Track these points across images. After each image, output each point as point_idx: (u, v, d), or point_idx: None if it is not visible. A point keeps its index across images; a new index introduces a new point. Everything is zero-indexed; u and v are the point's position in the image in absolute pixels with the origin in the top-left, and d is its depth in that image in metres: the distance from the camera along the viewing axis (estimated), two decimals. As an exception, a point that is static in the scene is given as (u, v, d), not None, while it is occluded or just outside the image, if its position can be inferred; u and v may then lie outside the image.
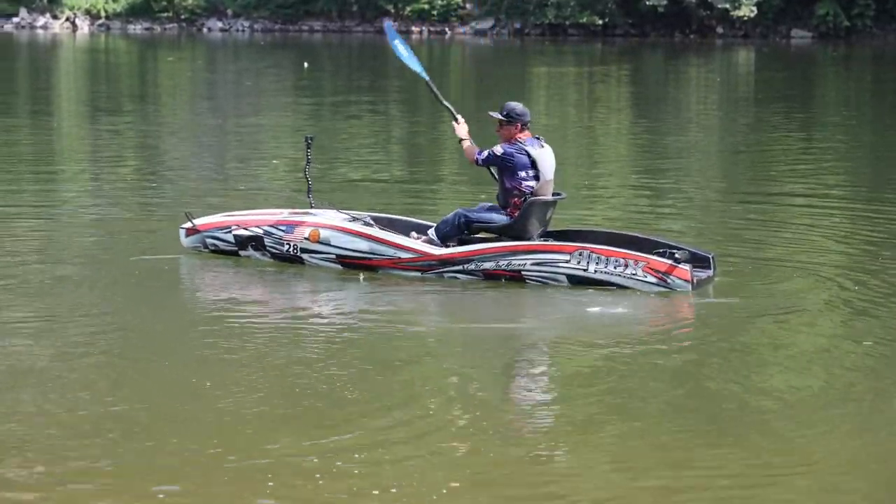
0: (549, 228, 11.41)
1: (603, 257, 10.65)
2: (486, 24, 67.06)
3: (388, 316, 10.24)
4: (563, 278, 10.77)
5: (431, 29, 67.38)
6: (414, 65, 11.95)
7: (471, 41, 63.26)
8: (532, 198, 11.00)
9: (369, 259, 11.23)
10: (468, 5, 67.90)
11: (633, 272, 10.62)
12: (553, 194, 11.20)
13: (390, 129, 25.03)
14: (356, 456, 7.00)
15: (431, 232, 11.36)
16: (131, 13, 69.35)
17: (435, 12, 67.37)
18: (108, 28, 68.41)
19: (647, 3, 61.65)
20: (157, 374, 8.42)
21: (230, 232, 11.61)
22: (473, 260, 10.95)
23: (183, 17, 68.74)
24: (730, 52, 54.48)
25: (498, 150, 11.04)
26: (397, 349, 9.27)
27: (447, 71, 45.41)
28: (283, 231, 11.45)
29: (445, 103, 11.66)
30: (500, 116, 11.11)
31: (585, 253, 10.69)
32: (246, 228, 11.57)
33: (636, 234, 11.37)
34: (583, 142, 23.11)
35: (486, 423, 7.59)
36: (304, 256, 11.41)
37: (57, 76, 39.99)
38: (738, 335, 9.63)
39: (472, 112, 28.92)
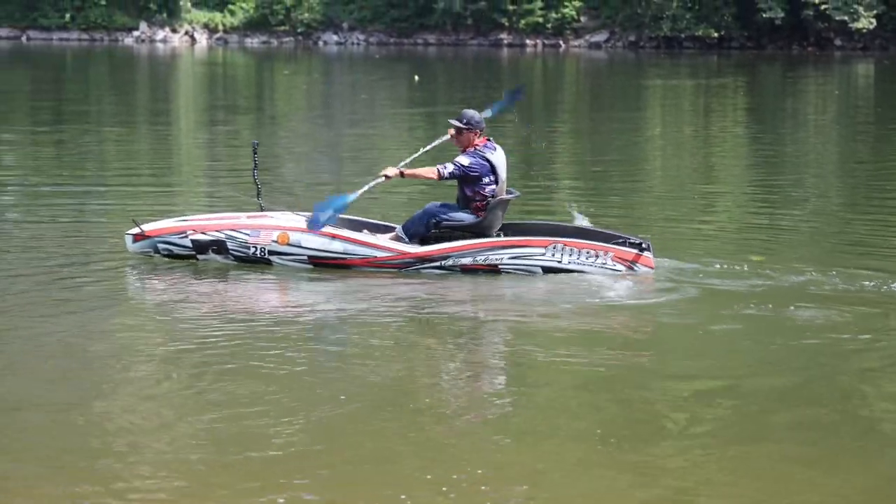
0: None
1: (576, 249, 11.34)
2: (601, 36, 66.75)
3: (369, 308, 10.40)
4: (539, 270, 11.34)
5: (546, 42, 67.21)
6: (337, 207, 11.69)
7: (585, 54, 62.98)
8: (495, 199, 11.47)
9: (344, 259, 11.44)
10: (583, 18, 67.62)
11: (604, 262, 11.32)
12: (507, 192, 11.67)
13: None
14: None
15: (399, 230, 11.60)
16: (248, 27, 70.12)
17: (549, 25, 67.20)
18: (226, 42, 69.24)
19: (764, 15, 60.93)
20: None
21: (186, 237, 11.63)
22: (451, 256, 11.36)
23: (299, 30, 69.33)
24: (848, 64, 53.59)
25: (463, 161, 11.41)
26: (366, 341, 9.44)
27: (562, 84, 45.21)
28: (247, 234, 11.53)
29: (367, 187, 11.72)
30: (459, 124, 11.50)
31: (559, 246, 11.33)
32: (204, 233, 11.62)
33: (581, 226, 11.87)
34: (699, 154, 22.78)
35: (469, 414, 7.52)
36: (273, 258, 11.52)
37: (175, 88, 40.47)
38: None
39: (587, 124, 28.74)
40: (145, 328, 9.75)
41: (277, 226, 11.58)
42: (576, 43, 66.91)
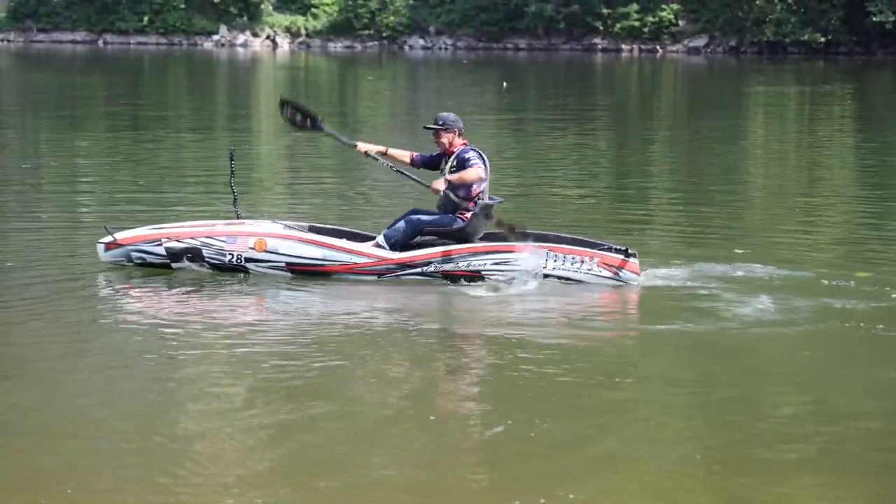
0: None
1: (561, 255, 11.44)
2: (700, 41, 66.40)
3: (350, 317, 10.44)
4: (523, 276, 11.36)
5: (642, 47, 66.99)
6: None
7: (683, 59, 62.65)
8: (482, 202, 11.56)
9: (323, 265, 11.56)
10: (681, 22, 67.29)
11: (589, 268, 11.43)
12: (490, 198, 11.74)
13: (557, 149, 24.79)
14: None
15: (381, 238, 11.65)
16: (332, 31, 70.58)
17: (646, 29, 66.96)
18: (308, 46, 69.75)
19: (874, 18, 60.24)
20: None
21: (160, 245, 11.68)
22: (433, 262, 11.48)
23: (385, 34, 69.65)
24: (965, 70, 52.82)
25: (473, 155, 11.46)
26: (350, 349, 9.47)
27: (659, 90, 44.99)
28: (223, 241, 11.63)
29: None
30: (436, 126, 11.61)
31: (544, 252, 11.42)
32: (179, 240, 11.69)
33: (553, 234, 11.86)
34: (803, 164, 22.53)
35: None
36: (250, 266, 11.62)
37: (255, 93, 40.77)
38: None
39: (684, 132, 28.53)
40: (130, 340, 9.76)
41: (254, 232, 11.70)
42: (673, 48, 66.62)
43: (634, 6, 66.81)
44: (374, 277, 11.55)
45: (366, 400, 8.26)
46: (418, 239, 11.70)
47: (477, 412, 8.14)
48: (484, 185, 11.61)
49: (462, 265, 11.47)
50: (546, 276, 11.43)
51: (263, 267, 11.61)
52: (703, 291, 11.15)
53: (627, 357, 9.52)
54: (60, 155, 22.25)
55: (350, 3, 69.99)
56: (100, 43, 69.94)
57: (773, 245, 13.73)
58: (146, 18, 70.25)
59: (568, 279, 11.45)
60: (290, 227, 11.91)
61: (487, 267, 11.46)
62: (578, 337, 9.97)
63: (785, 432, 7.75)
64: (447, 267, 11.48)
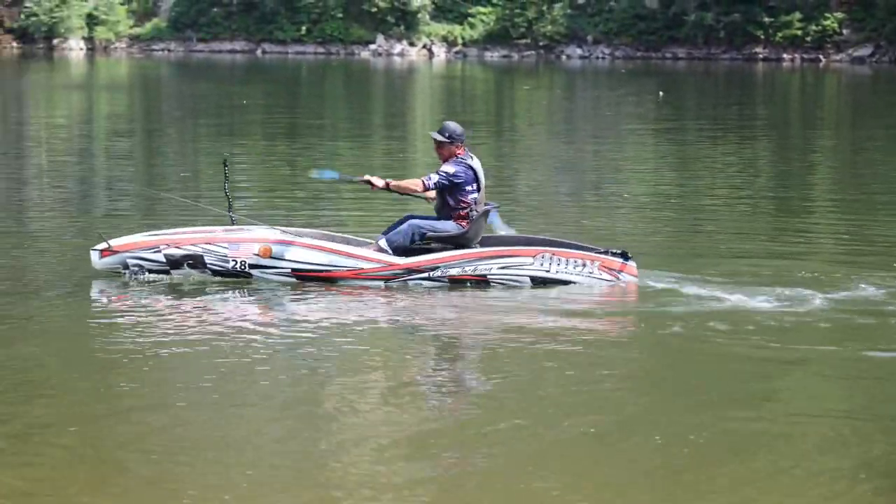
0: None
1: (563, 259, 11.77)
2: (865, 50, 65.32)
3: (357, 323, 10.51)
4: (527, 280, 11.75)
5: (804, 56, 66.10)
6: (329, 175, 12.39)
7: (847, 69, 61.65)
8: (481, 208, 11.84)
9: (329, 271, 11.71)
10: (845, 31, 66.25)
11: (591, 271, 11.79)
12: (485, 203, 12.02)
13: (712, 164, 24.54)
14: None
15: (383, 243, 11.79)
16: (488, 40, 70.89)
17: (809, 38, 66.05)
18: (465, 55, 70.12)
19: None
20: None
21: (158, 251, 11.72)
22: (440, 267, 11.69)
23: (541, 43, 69.72)
24: None
25: (449, 169, 11.72)
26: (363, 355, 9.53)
27: (821, 100, 44.34)
28: (226, 248, 11.71)
29: (353, 179, 12.20)
30: (442, 138, 11.83)
31: (547, 256, 11.76)
32: (178, 247, 11.73)
33: (546, 237, 12.21)
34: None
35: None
36: (254, 272, 11.73)
37: (411, 102, 41.12)
38: None
39: (847, 144, 28.10)
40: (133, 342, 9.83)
41: (258, 238, 11.80)
42: (837, 57, 65.62)
43: (797, 14, 65.95)
44: (381, 283, 11.70)
45: (388, 404, 8.34)
46: (418, 244, 11.89)
47: (498, 412, 8.16)
48: (479, 194, 11.83)
49: (468, 270, 11.71)
50: (549, 280, 11.72)
51: (268, 273, 11.75)
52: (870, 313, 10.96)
53: (654, 362, 9.51)
54: (215, 161, 22.72)
55: (507, 12, 70.22)
56: (258, 52, 71.14)
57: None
58: (304, 28, 71.32)
59: (570, 282, 11.75)
60: (288, 233, 11.97)
61: (493, 271, 11.73)
62: (591, 339, 10.10)
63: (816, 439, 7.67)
64: (453, 272, 11.71)
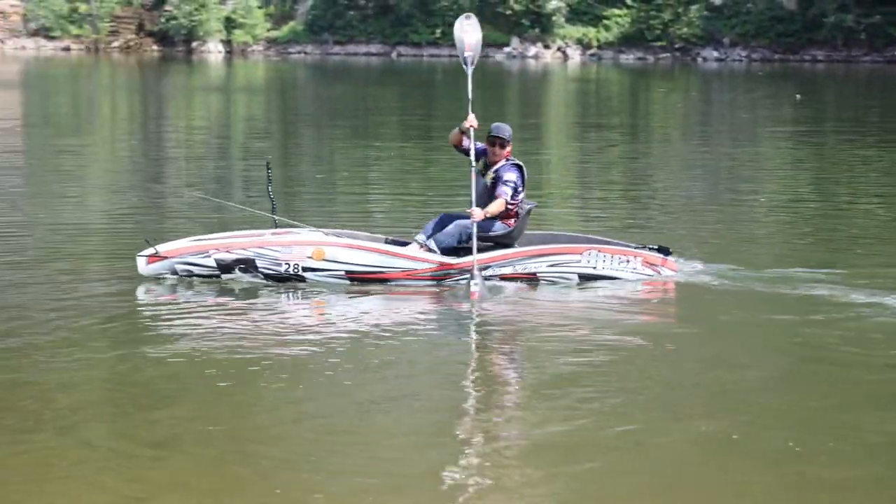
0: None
1: (609, 255, 12.13)
2: None
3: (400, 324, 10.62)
4: (575, 276, 12.06)
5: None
6: None
7: None
8: (526, 207, 12.19)
9: (382, 272, 11.85)
10: None
11: (634, 266, 12.15)
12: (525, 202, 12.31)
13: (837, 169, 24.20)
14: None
15: (431, 243, 11.95)
16: (623, 42, 70.65)
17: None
18: (600, 58, 69.95)
19: None
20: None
21: (209, 256, 11.80)
22: (492, 266, 11.92)
23: (677, 46, 69.31)
24: None
25: (513, 177, 12.01)
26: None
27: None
28: (278, 251, 11.80)
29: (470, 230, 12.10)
30: (508, 137, 12.16)
31: (594, 252, 12.11)
32: (229, 251, 11.82)
33: (563, 233, 12.69)
34: None
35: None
36: (307, 275, 11.82)
37: (545, 105, 41.16)
38: None
39: None
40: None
41: (310, 241, 11.88)
42: None
43: (941, 15, 64.78)
44: (433, 283, 11.83)
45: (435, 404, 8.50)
46: (463, 244, 12.02)
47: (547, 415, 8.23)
48: (521, 195, 12.08)
49: (519, 268, 11.97)
50: (596, 276, 12.04)
51: (322, 276, 11.84)
52: None
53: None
54: (350, 163, 22.97)
55: (643, 14, 69.92)
56: (393, 55, 71.64)
57: None
58: (438, 31, 71.63)
59: (615, 278, 12.07)
60: (328, 235, 12.05)
61: (543, 269, 11.99)
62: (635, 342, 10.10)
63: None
64: (505, 270, 11.96)
